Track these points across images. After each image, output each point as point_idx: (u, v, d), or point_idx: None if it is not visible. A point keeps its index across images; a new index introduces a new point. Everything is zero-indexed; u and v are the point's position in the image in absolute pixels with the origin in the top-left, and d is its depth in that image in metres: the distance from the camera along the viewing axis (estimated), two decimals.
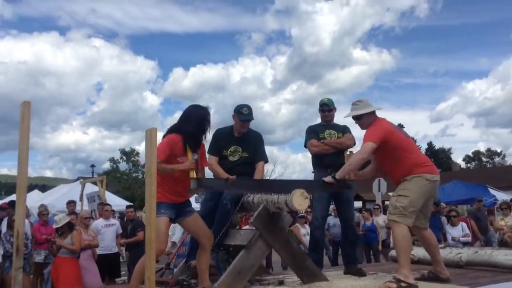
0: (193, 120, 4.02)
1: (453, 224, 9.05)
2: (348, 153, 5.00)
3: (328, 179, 4.44)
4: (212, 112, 4.23)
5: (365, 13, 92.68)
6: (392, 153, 4.30)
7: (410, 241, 4.24)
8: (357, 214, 11.85)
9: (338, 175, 4.38)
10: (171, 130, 4.07)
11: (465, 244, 8.27)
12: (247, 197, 4.40)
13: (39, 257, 8.35)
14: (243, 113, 4.63)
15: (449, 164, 48.86)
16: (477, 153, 64.63)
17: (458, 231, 8.91)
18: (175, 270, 4.91)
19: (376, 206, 12.44)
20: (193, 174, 3.96)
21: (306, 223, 9.61)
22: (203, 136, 4.12)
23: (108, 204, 9.32)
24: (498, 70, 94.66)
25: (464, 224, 9.21)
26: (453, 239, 8.72)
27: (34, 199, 15.41)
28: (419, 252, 5.58)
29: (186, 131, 3.97)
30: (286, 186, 4.19)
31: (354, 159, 4.40)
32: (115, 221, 9.06)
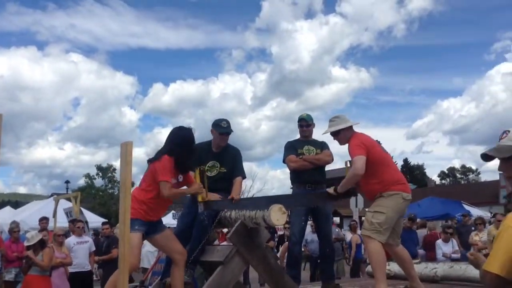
0: (182, 143, 4.07)
1: (445, 240, 9.14)
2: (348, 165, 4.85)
3: (331, 190, 4.43)
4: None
5: (344, 33, 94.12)
6: (371, 167, 4.29)
7: (384, 256, 4.24)
8: (336, 230, 11.91)
9: (339, 189, 4.37)
10: (162, 153, 4.07)
11: (454, 260, 8.32)
12: (225, 213, 4.36)
13: (9, 275, 8.11)
14: (222, 126, 4.62)
15: (424, 181, 49.58)
16: (452, 170, 65.81)
17: (449, 247, 9.00)
18: (150, 287, 4.82)
19: (352, 222, 12.52)
20: (201, 198, 4.11)
21: None
22: (192, 157, 4.17)
23: (81, 221, 9.09)
24: (472, 89, 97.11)
25: (455, 241, 9.32)
26: (444, 255, 8.79)
27: (6, 215, 15.03)
28: (395, 267, 5.59)
29: (178, 154, 4.01)
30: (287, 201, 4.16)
31: (349, 176, 4.29)
32: (88, 238, 8.86)
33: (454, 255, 8.78)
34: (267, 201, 4.29)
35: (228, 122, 4.68)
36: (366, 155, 4.22)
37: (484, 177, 59.84)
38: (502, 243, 1.98)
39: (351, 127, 4.52)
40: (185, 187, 4.24)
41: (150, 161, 4.11)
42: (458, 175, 65.31)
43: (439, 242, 9.21)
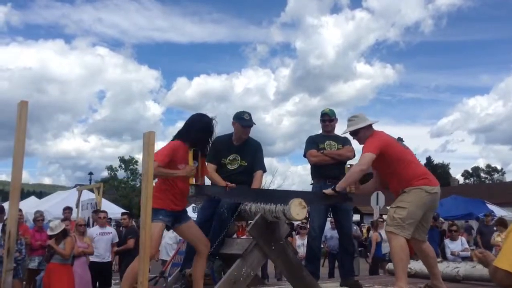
0: (198, 128, 4.04)
1: (453, 239, 8.99)
2: (348, 165, 4.95)
3: (328, 191, 4.41)
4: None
5: (369, 28, 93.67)
6: (391, 165, 4.27)
7: (408, 253, 4.18)
8: (355, 227, 11.83)
9: (338, 187, 4.34)
10: (175, 137, 4.07)
11: (464, 258, 8.21)
12: (245, 206, 4.36)
13: (32, 264, 8.27)
14: (244, 119, 4.60)
15: (448, 179, 48.84)
16: (476, 169, 64.67)
17: (457, 245, 8.86)
18: (169, 278, 4.86)
19: (380, 220, 12.46)
20: (192, 181, 3.98)
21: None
22: (207, 145, 4.13)
23: (103, 211, 9.19)
24: (500, 87, 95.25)
25: (464, 239, 9.16)
26: (452, 253, 8.66)
27: (31, 205, 15.33)
28: (416, 265, 5.53)
29: (191, 138, 3.98)
30: (284, 196, 4.14)
31: (353, 170, 4.33)
32: (112, 230, 8.94)
33: (463, 253, 8.64)
34: (260, 192, 4.30)
35: (250, 115, 4.66)
36: (378, 153, 4.18)
37: (509, 177, 58.77)
38: None
39: (370, 125, 4.48)
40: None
41: None
42: (483, 175, 64.15)
43: (447, 241, 9.08)
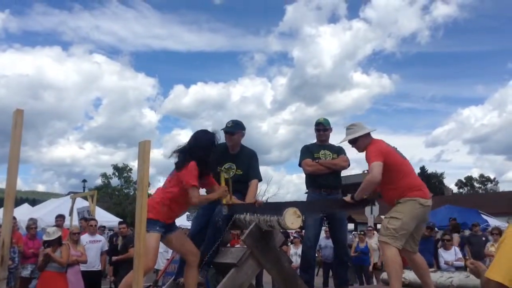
0: (207, 147, 4.08)
1: (446, 248, 8.99)
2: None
3: (347, 198, 4.45)
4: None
5: (366, 38, 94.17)
6: (388, 174, 4.26)
7: (401, 263, 4.19)
8: (349, 236, 11.83)
9: (357, 196, 4.40)
10: (188, 159, 4.02)
11: (457, 268, 8.20)
12: (239, 215, 4.35)
13: (25, 272, 8.19)
14: (227, 125, 4.64)
15: (442, 189, 48.96)
16: (469, 179, 64.84)
17: (451, 255, 8.85)
18: (163, 287, 4.83)
19: (369, 228, 12.43)
20: (225, 200, 4.12)
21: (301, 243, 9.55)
22: (212, 159, 4.16)
23: (94, 219, 9.12)
24: (494, 98, 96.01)
25: (457, 248, 9.14)
26: (446, 263, 8.65)
27: (24, 212, 15.20)
28: (410, 275, 5.52)
29: (201, 157, 4.00)
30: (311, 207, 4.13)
31: (367, 181, 4.28)
32: (101, 238, 8.86)
33: (457, 263, 8.63)
34: (290, 207, 4.29)
35: (234, 122, 4.67)
36: (383, 161, 4.19)
37: (502, 187, 58.95)
38: (505, 250, 1.94)
39: (368, 134, 4.49)
40: (204, 191, 4.27)
41: (177, 167, 4.07)
42: (476, 185, 64.35)
43: (441, 250, 9.07)
